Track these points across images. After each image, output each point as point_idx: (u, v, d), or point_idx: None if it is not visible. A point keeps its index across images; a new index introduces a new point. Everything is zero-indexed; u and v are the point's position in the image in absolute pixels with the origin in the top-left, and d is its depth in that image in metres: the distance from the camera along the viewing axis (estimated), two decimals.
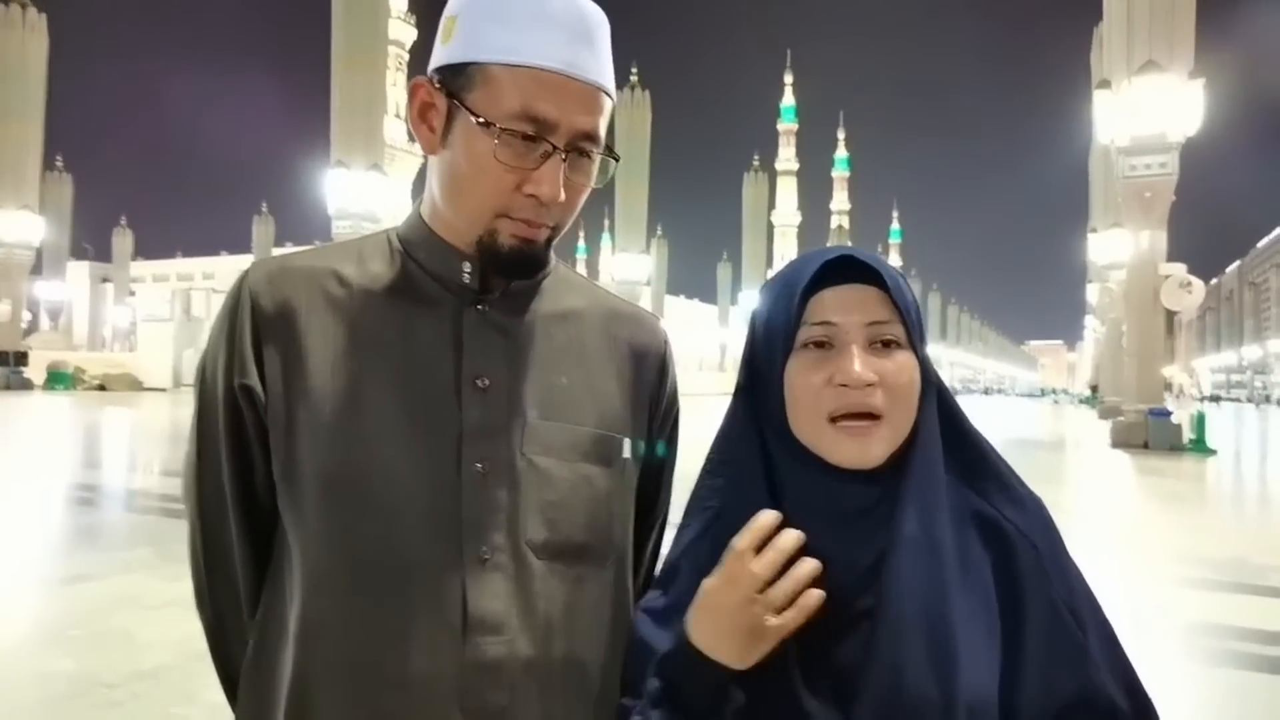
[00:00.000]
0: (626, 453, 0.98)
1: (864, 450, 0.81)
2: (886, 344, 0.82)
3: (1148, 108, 19.03)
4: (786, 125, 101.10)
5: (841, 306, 0.82)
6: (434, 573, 0.87)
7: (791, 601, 0.78)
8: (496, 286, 0.94)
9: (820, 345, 0.83)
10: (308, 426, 0.88)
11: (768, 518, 0.80)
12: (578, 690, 0.91)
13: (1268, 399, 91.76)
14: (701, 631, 0.80)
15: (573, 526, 0.92)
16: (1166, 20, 19.10)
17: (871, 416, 0.81)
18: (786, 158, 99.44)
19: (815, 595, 0.78)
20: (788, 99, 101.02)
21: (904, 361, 0.82)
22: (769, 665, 0.81)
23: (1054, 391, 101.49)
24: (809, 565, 0.78)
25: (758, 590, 0.78)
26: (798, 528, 0.83)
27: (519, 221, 0.88)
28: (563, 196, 0.87)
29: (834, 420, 0.81)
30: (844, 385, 0.80)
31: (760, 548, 0.79)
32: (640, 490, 1.02)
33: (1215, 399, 68.93)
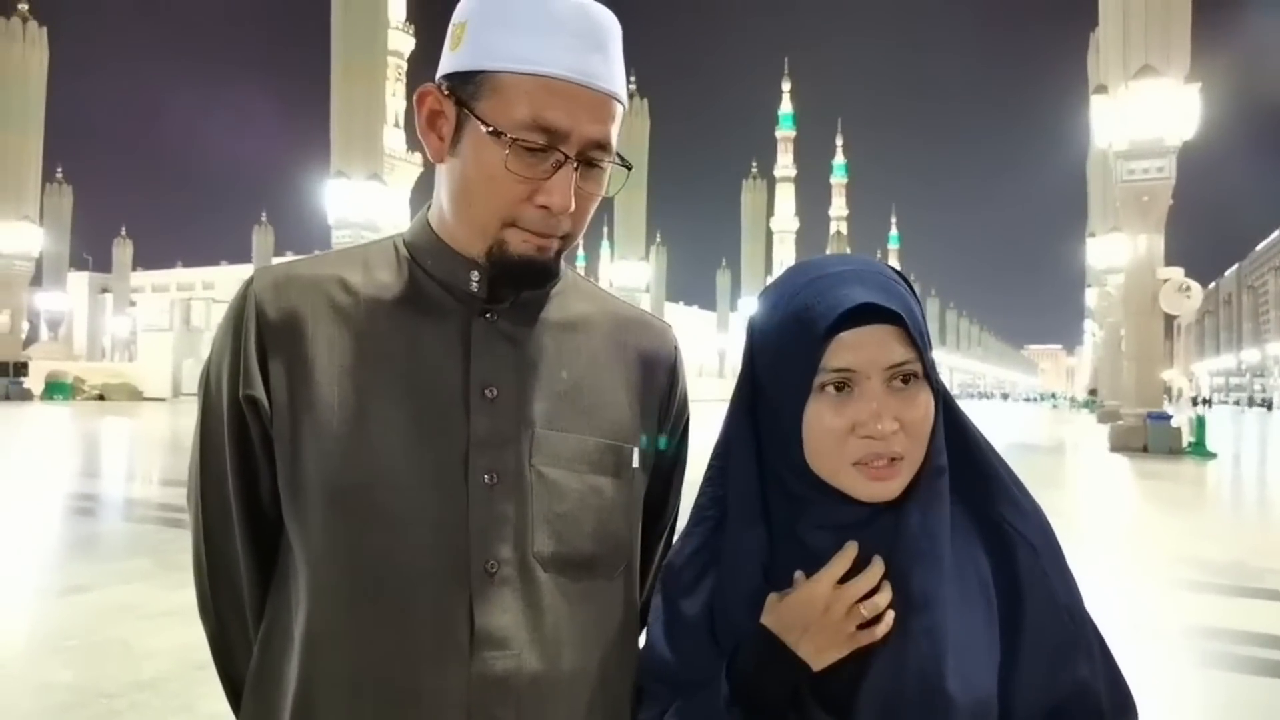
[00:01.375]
0: (636, 463, 0.97)
1: (886, 489, 0.81)
2: (905, 380, 0.81)
3: (1145, 112, 19.07)
4: (784, 132, 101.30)
5: (861, 348, 0.80)
6: (440, 586, 0.85)
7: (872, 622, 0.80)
8: (505, 295, 0.92)
9: (839, 388, 0.81)
10: (313, 438, 0.87)
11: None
12: (586, 704, 0.90)
13: (1251, 401, 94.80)
14: (790, 626, 0.81)
15: (581, 538, 0.91)
16: (1162, 25, 19.16)
17: (894, 457, 0.81)
18: (785, 164, 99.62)
19: (890, 617, 0.80)
20: (786, 106, 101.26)
21: (923, 398, 0.81)
22: None
23: (1053, 396, 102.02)
24: (884, 595, 0.81)
25: (854, 603, 0.80)
26: (807, 537, 0.84)
27: (529, 233, 0.87)
28: (573, 207, 0.86)
29: (856, 464, 0.81)
30: (868, 436, 0.79)
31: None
32: (648, 497, 1.01)
33: (1206, 402, 69.01)
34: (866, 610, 0.79)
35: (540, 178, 0.85)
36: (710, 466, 0.93)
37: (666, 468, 1.04)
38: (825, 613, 0.79)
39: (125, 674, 4.04)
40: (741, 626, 0.84)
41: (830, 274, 0.84)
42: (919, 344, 0.81)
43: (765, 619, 0.82)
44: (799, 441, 0.83)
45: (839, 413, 0.80)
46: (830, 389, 0.81)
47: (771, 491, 0.87)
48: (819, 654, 0.80)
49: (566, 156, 0.84)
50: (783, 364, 0.84)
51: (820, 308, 0.80)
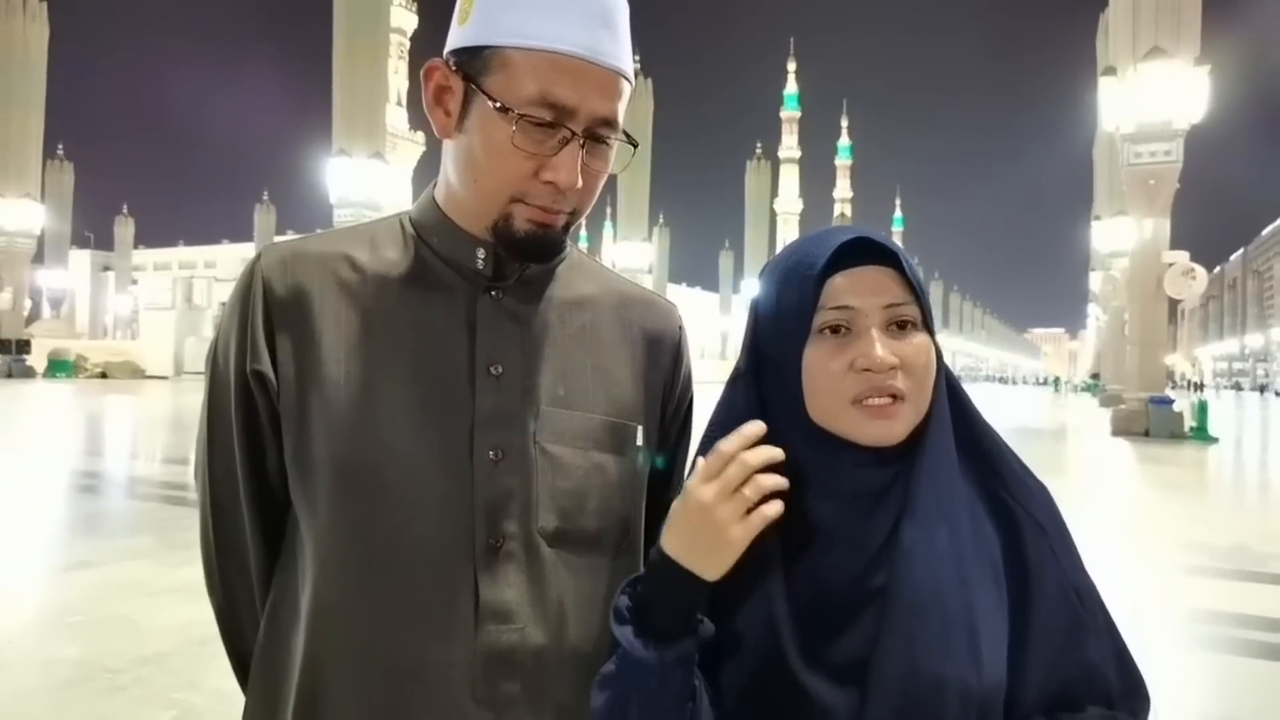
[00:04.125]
0: (640, 440, 0.97)
1: (888, 429, 0.81)
2: (902, 325, 0.82)
3: (1153, 95, 18.93)
4: (789, 113, 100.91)
5: (858, 290, 0.81)
6: (446, 561, 0.86)
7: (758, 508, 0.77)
8: (511, 273, 0.93)
9: (837, 330, 0.82)
10: (320, 413, 0.87)
11: (755, 426, 0.78)
12: (589, 679, 0.90)
13: (1237, 386, 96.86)
14: (674, 536, 0.79)
15: (585, 515, 0.92)
16: (1172, 6, 18.98)
17: (894, 396, 0.80)
18: (789, 145, 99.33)
19: (776, 506, 0.77)
20: (791, 86, 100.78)
21: (921, 342, 0.82)
22: (766, 641, 0.81)
23: (1055, 381, 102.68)
24: (777, 478, 0.77)
25: (732, 491, 0.77)
26: (813, 507, 0.83)
27: (535, 207, 0.87)
28: (580, 183, 0.86)
29: (856, 402, 0.81)
30: (867, 370, 0.80)
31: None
32: (652, 475, 1.01)
33: (1199, 386, 69.12)
34: (750, 491, 0.76)
35: (547, 154, 0.84)
36: (707, 438, 0.91)
37: (671, 446, 1.05)
38: (709, 505, 0.77)
39: (130, 649, 4.07)
40: (747, 594, 0.83)
41: (825, 230, 0.86)
42: (917, 292, 0.82)
43: (662, 529, 0.81)
44: (801, 395, 0.83)
45: (837, 353, 0.81)
46: (828, 332, 0.82)
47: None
48: (706, 560, 0.77)
49: (573, 133, 0.84)
50: (782, 315, 0.85)
51: (815, 253, 0.82)
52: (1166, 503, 10.53)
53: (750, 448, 0.78)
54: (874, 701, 0.77)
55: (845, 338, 0.81)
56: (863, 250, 0.82)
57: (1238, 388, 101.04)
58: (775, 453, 0.78)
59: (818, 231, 0.87)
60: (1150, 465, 14.41)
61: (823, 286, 0.82)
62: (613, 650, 0.84)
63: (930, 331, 0.84)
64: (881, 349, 0.80)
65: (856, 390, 0.80)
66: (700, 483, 0.78)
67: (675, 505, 0.81)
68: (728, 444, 0.78)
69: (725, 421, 0.89)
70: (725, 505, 0.76)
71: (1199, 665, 4.47)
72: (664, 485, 1.05)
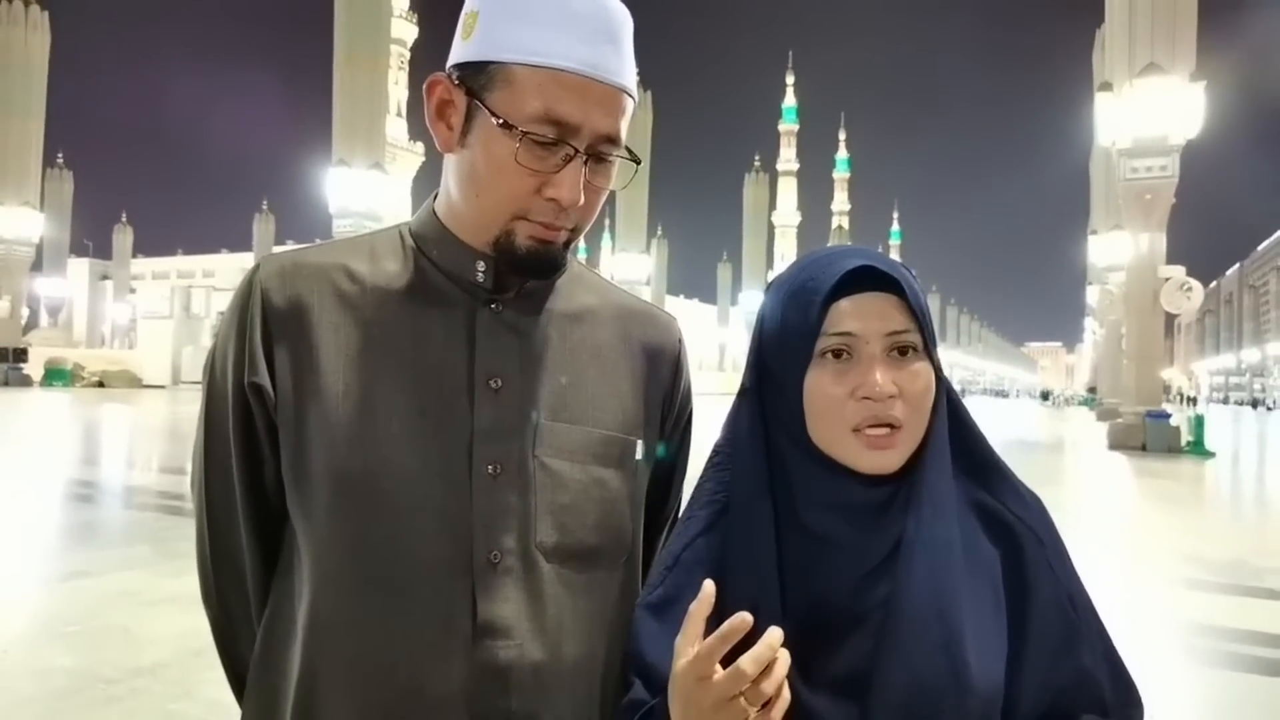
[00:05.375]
0: (639, 454, 0.97)
1: (885, 459, 0.82)
2: (903, 351, 0.83)
3: (1149, 110, 19.03)
4: (787, 126, 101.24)
5: (861, 316, 0.82)
6: (443, 575, 0.86)
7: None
8: (511, 286, 0.92)
9: (839, 354, 0.82)
10: (318, 425, 0.87)
11: (737, 624, 0.71)
12: (588, 695, 0.91)
13: (1225, 400, 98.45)
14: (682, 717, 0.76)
15: (584, 529, 0.91)
16: (1168, 22, 19.09)
17: (892, 426, 0.81)
18: (787, 158, 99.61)
19: (785, 700, 0.73)
20: (789, 99, 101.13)
21: (921, 370, 0.83)
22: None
23: (1047, 394, 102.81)
24: (783, 662, 0.72)
25: (730, 699, 0.71)
26: (812, 522, 0.84)
27: (537, 224, 0.87)
28: (582, 200, 0.86)
29: (856, 430, 0.81)
30: (867, 398, 0.80)
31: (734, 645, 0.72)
32: (651, 489, 1.01)
33: (1191, 400, 69.24)
34: (750, 700, 0.70)
35: (550, 171, 0.85)
36: (716, 451, 0.92)
37: (669, 460, 1.04)
38: (711, 706, 0.71)
39: (125, 660, 4.06)
40: (752, 603, 0.82)
41: (833, 252, 0.87)
42: (920, 319, 0.83)
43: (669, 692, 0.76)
44: (802, 415, 0.84)
45: (839, 380, 0.82)
46: (830, 356, 0.82)
47: (777, 473, 0.87)
48: None
49: (577, 150, 0.84)
50: (786, 336, 0.85)
51: (821, 277, 0.83)
52: (1164, 517, 10.52)
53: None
54: (874, 715, 0.78)
55: (846, 363, 0.82)
56: (868, 276, 0.82)
57: (1225, 401, 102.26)
58: (775, 639, 0.71)
59: (826, 251, 0.88)
60: (1147, 479, 14.40)
61: (827, 311, 0.82)
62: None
63: (932, 356, 0.85)
64: (881, 377, 0.80)
65: (857, 418, 0.81)
66: (693, 686, 0.72)
67: (676, 683, 0.74)
68: (697, 647, 0.72)
69: (732, 438, 0.91)
70: (733, 706, 0.71)
71: (1195, 680, 4.46)
72: (662, 499, 1.05)
